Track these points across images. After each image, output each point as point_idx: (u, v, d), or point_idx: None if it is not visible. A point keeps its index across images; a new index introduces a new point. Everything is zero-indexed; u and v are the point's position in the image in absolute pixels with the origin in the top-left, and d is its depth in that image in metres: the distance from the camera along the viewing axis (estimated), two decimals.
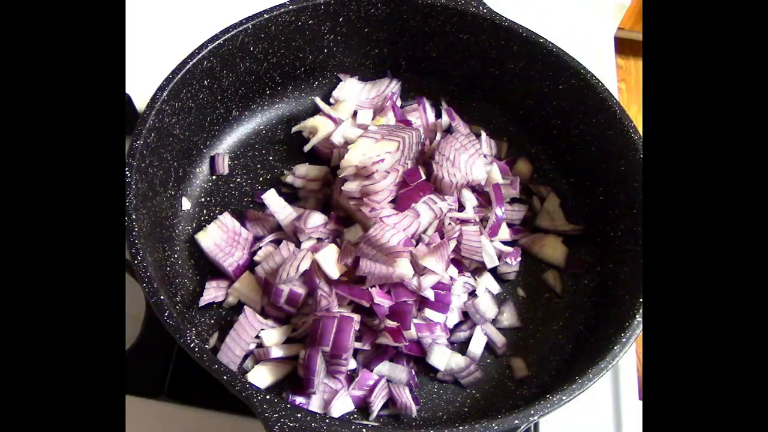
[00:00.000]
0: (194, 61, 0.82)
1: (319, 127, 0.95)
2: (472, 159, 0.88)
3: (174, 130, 0.84)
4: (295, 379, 0.79)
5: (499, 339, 0.85)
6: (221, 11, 0.98)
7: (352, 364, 0.80)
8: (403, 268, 0.78)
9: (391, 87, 1.00)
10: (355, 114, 0.97)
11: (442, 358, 0.81)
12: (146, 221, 0.77)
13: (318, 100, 0.98)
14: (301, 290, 0.80)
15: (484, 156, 0.91)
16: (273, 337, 0.80)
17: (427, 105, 1.00)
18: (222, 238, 0.86)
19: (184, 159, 0.90)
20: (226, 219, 0.87)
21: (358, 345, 0.80)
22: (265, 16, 0.87)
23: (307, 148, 0.95)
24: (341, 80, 1.01)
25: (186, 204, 0.90)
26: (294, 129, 0.97)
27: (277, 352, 0.79)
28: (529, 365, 0.84)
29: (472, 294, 0.86)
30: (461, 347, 0.85)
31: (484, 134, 0.97)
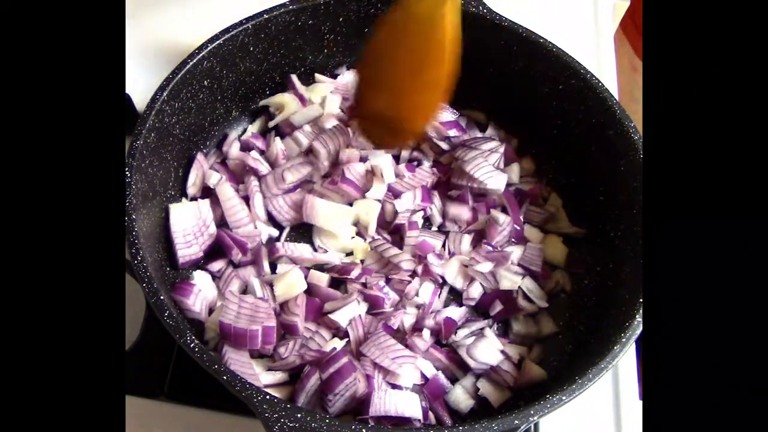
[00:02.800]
0: (194, 61, 0.82)
1: (286, 104, 0.96)
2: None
3: (174, 130, 0.84)
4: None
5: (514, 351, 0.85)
6: (221, 11, 0.98)
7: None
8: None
9: None
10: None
11: (465, 396, 0.81)
12: (146, 221, 0.77)
13: (294, 77, 0.97)
14: (273, 323, 0.78)
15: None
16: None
17: None
18: (191, 223, 0.85)
19: (184, 159, 0.90)
20: (204, 206, 0.87)
21: None
22: (265, 16, 0.87)
23: (272, 123, 0.96)
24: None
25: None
26: (261, 102, 0.98)
27: (266, 378, 0.78)
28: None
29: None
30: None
31: (492, 127, 0.99)
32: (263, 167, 0.91)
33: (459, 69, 0.74)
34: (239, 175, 0.93)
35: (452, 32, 0.72)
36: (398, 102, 0.78)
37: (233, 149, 0.93)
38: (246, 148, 0.95)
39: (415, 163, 0.97)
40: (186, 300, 0.79)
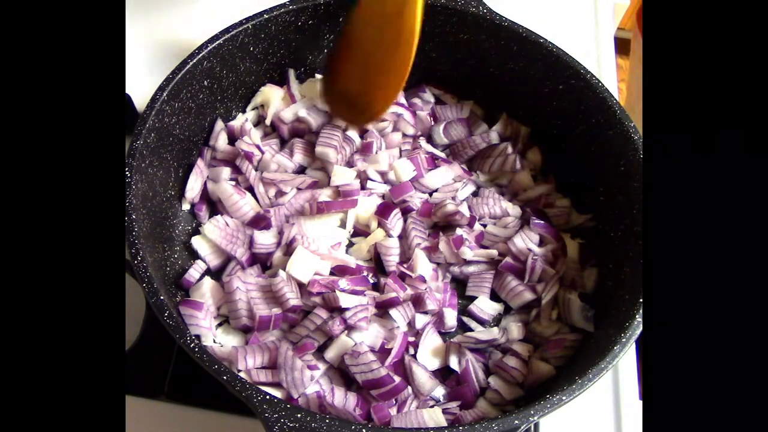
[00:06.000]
0: (194, 61, 0.82)
1: (271, 98, 0.96)
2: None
3: (174, 130, 0.84)
4: None
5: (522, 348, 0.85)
6: (221, 11, 0.98)
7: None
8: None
9: None
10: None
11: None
12: (146, 221, 0.77)
13: (291, 72, 0.98)
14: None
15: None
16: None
17: (428, 97, 1.01)
18: (219, 235, 0.86)
19: (184, 159, 0.90)
20: (225, 218, 0.87)
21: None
22: (265, 16, 0.87)
23: (268, 120, 0.96)
24: None
25: (186, 204, 0.90)
26: (248, 108, 0.97)
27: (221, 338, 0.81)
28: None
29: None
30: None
31: (504, 117, 0.99)
32: (258, 152, 0.92)
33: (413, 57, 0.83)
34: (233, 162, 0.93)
35: (414, 24, 0.83)
36: (368, 81, 0.89)
37: (221, 142, 0.93)
38: (234, 137, 0.95)
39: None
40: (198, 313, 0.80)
